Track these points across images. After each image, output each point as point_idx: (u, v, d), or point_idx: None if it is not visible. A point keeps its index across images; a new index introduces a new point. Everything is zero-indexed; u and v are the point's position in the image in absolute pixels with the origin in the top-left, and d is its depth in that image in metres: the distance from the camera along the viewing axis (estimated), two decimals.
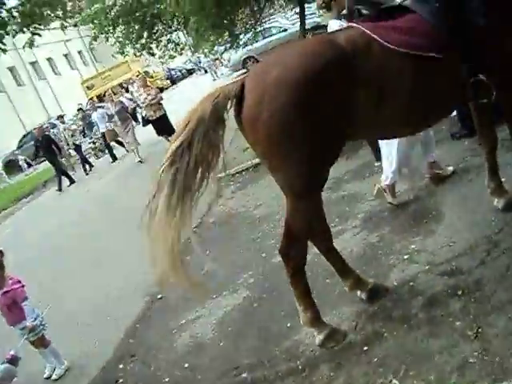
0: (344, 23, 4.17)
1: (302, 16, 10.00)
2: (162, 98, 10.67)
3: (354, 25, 2.66)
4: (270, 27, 20.21)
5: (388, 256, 3.27)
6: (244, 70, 20.32)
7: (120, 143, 13.56)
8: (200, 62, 29.87)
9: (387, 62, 2.44)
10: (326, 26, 6.08)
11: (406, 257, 3.16)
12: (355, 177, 4.82)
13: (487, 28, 2.55)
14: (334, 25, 4.34)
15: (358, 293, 2.89)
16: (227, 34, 11.61)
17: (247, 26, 12.03)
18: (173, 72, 33.44)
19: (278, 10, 20.17)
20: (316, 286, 2.97)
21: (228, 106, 2.48)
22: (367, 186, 4.36)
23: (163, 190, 2.37)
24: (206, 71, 27.68)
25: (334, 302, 3.01)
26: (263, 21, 12.99)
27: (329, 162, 2.54)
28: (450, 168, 3.92)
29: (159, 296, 4.18)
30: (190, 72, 34.45)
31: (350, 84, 2.39)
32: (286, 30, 20.11)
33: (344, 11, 4.85)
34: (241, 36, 12.34)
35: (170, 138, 9.59)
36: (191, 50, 18.31)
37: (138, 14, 11.55)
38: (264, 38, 20.00)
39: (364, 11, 2.90)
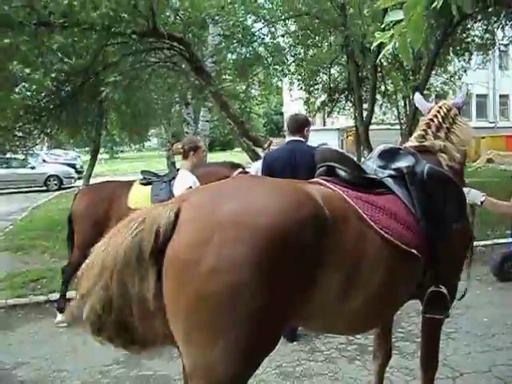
0: (191, 181, 4.00)
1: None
2: None
3: (327, 184, 2.13)
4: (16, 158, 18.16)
5: None
6: None
7: None
8: None
9: (366, 243, 1.96)
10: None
11: None
12: None
13: (454, 235, 2.33)
14: (185, 175, 4.20)
15: None
16: None
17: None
18: None
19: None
20: None
21: (152, 241, 1.69)
22: None
23: None
24: None
25: None
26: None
27: (270, 349, 1.79)
28: None
29: None
30: None
31: (322, 255, 1.80)
32: (33, 168, 18.19)
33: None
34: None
35: None
36: None
37: None
38: (8, 167, 18.50)
39: (341, 172, 2.30)
